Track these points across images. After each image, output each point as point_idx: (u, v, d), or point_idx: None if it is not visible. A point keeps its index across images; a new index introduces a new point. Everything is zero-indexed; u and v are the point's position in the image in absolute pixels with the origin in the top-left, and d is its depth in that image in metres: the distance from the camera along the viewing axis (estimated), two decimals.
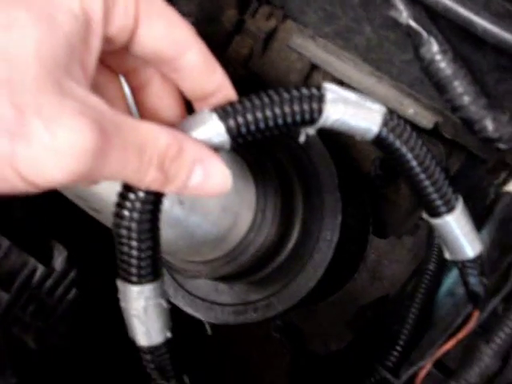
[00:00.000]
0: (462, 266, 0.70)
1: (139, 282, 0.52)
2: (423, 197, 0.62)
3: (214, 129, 0.49)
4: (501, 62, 0.84)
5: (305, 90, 0.51)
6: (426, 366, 0.78)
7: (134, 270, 0.52)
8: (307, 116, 0.50)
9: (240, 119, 0.49)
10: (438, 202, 0.62)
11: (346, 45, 1.00)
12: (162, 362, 0.59)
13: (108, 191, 0.65)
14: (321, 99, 0.51)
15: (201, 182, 0.48)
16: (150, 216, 0.50)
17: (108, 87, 0.52)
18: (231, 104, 0.50)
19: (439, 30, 0.82)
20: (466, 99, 0.80)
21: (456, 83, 0.80)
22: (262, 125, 0.49)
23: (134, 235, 0.50)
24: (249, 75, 1.27)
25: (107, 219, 0.76)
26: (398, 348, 0.93)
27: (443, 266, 0.97)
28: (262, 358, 1.56)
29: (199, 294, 1.14)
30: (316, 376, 1.12)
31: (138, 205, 0.49)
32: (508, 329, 0.70)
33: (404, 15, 0.80)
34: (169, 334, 0.58)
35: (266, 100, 0.49)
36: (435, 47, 0.80)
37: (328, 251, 1.06)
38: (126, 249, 0.51)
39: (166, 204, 0.52)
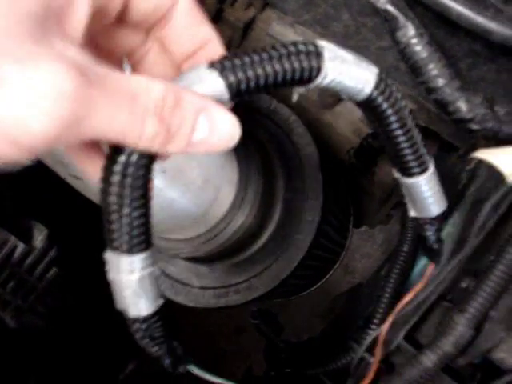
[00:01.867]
0: (424, 222, 0.72)
1: (131, 252, 0.48)
2: (400, 157, 0.63)
3: (213, 85, 0.45)
4: (474, 47, 0.87)
5: (302, 46, 0.49)
6: (389, 320, 0.80)
7: (125, 239, 0.48)
8: (306, 74, 0.49)
9: (240, 75, 0.46)
10: (414, 163, 0.63)
11: (325, 32, 1.02)
12: (155, 329, 0.57)
13: None
14: (319, 57, 0.49)
15: (207, 134, 0.45)
16: (143, 182, 0.46)
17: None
18: (228, 58, 0.46)
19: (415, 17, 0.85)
20: (441, 81, 0.83)
21: (431, 66, 0.82)
22: (261, 81, 0.46)
23: (126, 202, 0.46)
24: None
25: (87, 187, 0.75)
26: (373, 327, 0.95)
27: (417, 248, 0.99)
28: (237, 351, 1.58)
29: (180, 277, 1.13)
30: (293, 358, 1.14)
31: (130, 170, 0.45)
32: (481, 298, 0.73)
33: (382, 0, 0.83)
34: (161, 301, 0.55)
35: (265, 56, 0.47)
36: (411, 31, 0.82)
37: (310, 232, 1.05)
38: (115, 217, 0.47)
39: None
